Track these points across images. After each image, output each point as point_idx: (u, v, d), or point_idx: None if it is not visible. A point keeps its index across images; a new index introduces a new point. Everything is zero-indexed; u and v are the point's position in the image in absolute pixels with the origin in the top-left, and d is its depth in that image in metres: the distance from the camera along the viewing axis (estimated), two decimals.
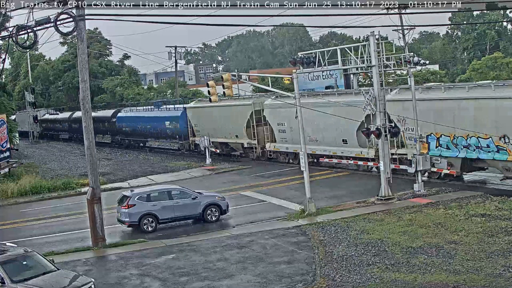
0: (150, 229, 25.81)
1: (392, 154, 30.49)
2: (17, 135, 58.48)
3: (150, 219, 25.95)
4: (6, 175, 41.71)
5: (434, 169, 30.75)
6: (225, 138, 46.82)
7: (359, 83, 44.18)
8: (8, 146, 43.87)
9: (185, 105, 52.97)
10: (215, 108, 44.86)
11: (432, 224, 22.31)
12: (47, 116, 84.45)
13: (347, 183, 33.66)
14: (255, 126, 42.86)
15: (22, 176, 41.39)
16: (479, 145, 28.50)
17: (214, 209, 26.94)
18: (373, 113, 28.10)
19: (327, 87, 48.13)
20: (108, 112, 65.77)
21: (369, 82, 46.38)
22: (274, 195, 31.52)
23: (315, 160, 39.09)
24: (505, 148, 27.31)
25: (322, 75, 49.03)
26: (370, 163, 35.04)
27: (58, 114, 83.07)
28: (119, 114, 62.18)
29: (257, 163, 43.95)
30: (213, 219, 26.82)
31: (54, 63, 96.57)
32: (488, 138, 27.71)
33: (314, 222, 24.47)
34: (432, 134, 30.67)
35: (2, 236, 24.40)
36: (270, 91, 38.53)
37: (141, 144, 62.10)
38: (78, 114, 67.88)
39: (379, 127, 27.68)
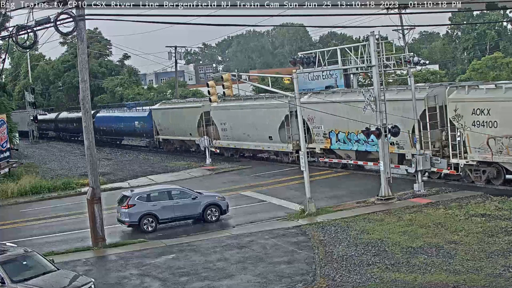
0: (150, 229, 25.82)
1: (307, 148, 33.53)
2: (17, 135, 58.46)
3: (150, 219, 25.95)
4: (6, 175, 41.71)
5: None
6: (182, 136, 52.44)
7: (359, 83, 44.21)
8: (8, 146, 43.89)
9: (151, 107, 58.77)
10: (174, 110, 52.75)
11: (432, 224, 22.31)
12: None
13: (347, 183, 33.67)
14: (205, 126, 48.00)
15: (22, 176, 41.40)
16: (366, 140, 32.26)
17: (214, 209, 26.94)
18: (374, 112, 28.09)
19: (327, 87, 48.09)
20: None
21: (369, 82, 46.41)
22: (274, 195, 31.53)
23: (251, 155, 45.72)
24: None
25: (322, 75, 49.05)
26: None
27: (46, 114, 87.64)
28: (97, 115, 66.09)
29: (257, 163, 43.98)
30: (213, 219, 26.82)
31: (54, 63, 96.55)
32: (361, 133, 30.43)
33: (314, 222, 24.48)
34: (332, 131, 36.25)
35: (2, 236, 24.40)
36: (270, 91, 38.58)
37: (118, 142, 67.58)
38: (63, 114, 78.71)
39: (379, 127, 27.69)
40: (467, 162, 29.10)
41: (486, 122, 27.69)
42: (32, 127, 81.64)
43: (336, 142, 36.06)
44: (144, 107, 61.06)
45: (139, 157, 54.69)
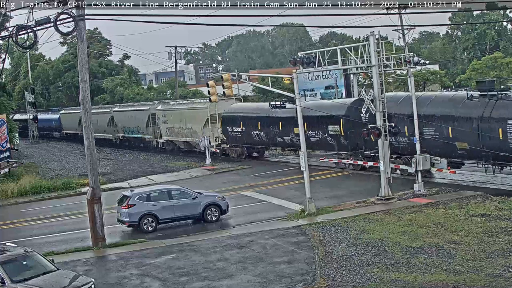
0: (150, 229, 25.82)
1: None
2: (17, 135, 58.45)
3: (150, 219, 25.95)
4: (6, 175, 41.70)
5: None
6: (135, 134, 61.35)
7: (359, 83, 44.15)
8: (8, 146, 43.88)
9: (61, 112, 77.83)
10: (127, 112, 62.54)
11: (432, 224, 22.31)
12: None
13: (347, 183, 33.67)
14: (152, 125, 56.93)
15: (22, 176, 41.40)
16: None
17: (214, 209, 26.94)
18: (374, 112, 28.12)
19: (327, 87, 48.12)
20: (57, 113, 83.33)
21: (369, 82, 46.38)
22: (274, 195, 31.53)
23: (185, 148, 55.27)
24: None
25: (322, 75, 49.08)
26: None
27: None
28: (61, 112, 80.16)
29: (257, 163, 43.96)
30: (213, 219, 26.82)
31: (54, 63, 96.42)
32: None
33: (314, 222, 24.48)
34: (173, 127, 52.69)
35: (2, 236, 24.40)
36: (270, 91, 38.64)
37: (50, 135, 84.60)
38: (41, 116, 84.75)
39: (379, 127, 27.72)
40: (163, 140, 54.91)
41: (167, 121, 53.58)
42: (32, 127, 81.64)
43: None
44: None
45: (139, 157, 54.72)
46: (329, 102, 41.11)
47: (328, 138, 37.60)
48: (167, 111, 53.65)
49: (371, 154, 34.57)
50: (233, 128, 45.21)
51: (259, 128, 42.74)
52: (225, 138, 46.46)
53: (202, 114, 47.17)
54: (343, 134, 36.33)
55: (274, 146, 44.03)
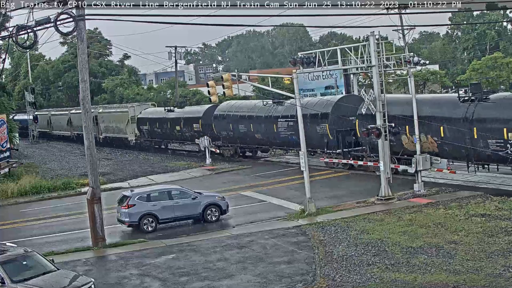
0: (150, 229, 25.81)
1: None
2: (17, 135, 58.44)
3: (150, 219, 25.95)
4: (6, 175, 41.69)
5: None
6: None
7: (359, 83, 44.18)
8: (8, 146, 43.87)
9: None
10: (78, 114, 70.73)
11: (432, 224, 22.31)
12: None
13: (347, 183, 33.67)
14: (95, 124, 61.89)
15: (22, 176, 41.39)
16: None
17: (214, 209, 26.94)
18: (374, 112, 28.10)
19: (327, 87, 48.15)
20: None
21: (369, 82, 46.39)
22: (274, 195, 31.53)
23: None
24: None
25: (322, 75, 49.09)
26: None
27: None
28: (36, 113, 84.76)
29: (257, 163, 43.94)
30: (213, 219, 26.82)
31: (54, 63, 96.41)
32: None
33: (314, 222, 24.47)
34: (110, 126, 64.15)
35: (2, 236, 24.40)
36: (270, 91, 38.67)
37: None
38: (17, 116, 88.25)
39: (379, 127, 27.71)
40: (102, 136, 66.54)
41: (103, 121, 66.04)
42: (32, 127, 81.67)
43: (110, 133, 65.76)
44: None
45: (139, 157, 54.73)
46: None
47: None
48: (104, 113, 66.88)
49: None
50: (143, 126, 60.10)
51: (157, 126, 57.70)
52: (138, 134, 60.95)
53: (125, 116, 62.01)
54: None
55: (172, 140, 57.74)
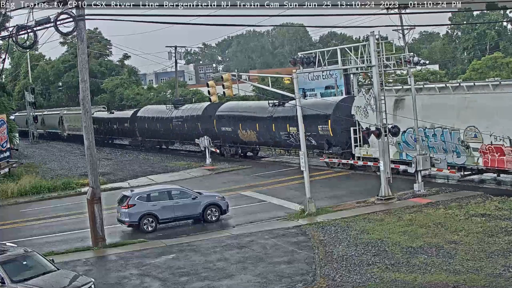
0: (150, 229, 25.81)
1: None
2: (17, 135, 58.48)
3: (150, 219, 25.95)
4: (6, 175, 41.70)
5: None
6: (54, 129, 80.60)
7: (359, 83, 44.15)
8: (8, 146, 43.88)
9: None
10: (52, 115, 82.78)
11: (432, 224, 22.32)
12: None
13: (347, 183, 33.67)
14: (62, 124, 77.65)
15: (22, 176, 41.38)
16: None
17: (214, 209, 26.94)
18: (374, 113, 28.10)
19: (327, 87, 48.11)
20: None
21: (369, 82, 46.36)
22: (274, 195, 31.53)
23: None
24: None
25: (322, 75, 49.03)
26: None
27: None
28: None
29: (257, 163, 43.93)
30: (213, 219, 26.82)
31: (54, 63, 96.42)
32: None
33: (314, 222, 24.47)
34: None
35: (2, 236, 24.42)
36: (270, 91, 38.72)
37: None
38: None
39: (379, 127, 27.71)
40: (67, 134, 76.48)
41: (68, 121, 75.71)
42: (32, 127, 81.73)
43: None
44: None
45: (139, 157, 54.73)
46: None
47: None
48: (67, 115, 75.78)
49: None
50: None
51: (116, 126, 65.76)
52: None
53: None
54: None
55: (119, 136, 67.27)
